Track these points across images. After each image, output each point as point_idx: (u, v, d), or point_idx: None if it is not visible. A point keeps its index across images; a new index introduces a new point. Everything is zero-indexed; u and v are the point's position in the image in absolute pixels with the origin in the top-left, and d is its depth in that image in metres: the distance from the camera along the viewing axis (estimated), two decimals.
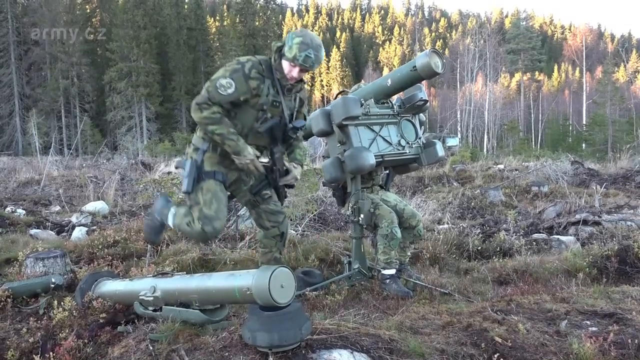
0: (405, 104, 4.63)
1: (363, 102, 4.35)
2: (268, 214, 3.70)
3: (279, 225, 3.74)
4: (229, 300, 3.01)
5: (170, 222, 3.58)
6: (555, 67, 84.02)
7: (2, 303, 3.75)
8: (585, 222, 6.86)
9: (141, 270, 4.39)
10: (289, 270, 2.68)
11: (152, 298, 3.17)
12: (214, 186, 3.39)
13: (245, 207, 4.23)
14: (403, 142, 4.59)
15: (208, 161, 3.43)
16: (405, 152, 4.60)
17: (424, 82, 4.66)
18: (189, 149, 3.53)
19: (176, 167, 3.56)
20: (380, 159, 4.41)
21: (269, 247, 3.80)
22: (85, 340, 3.13)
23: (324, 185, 6.16)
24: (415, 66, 4.11)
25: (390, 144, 4.51)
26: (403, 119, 4.65)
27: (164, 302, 3.19)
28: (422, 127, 4.89)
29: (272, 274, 2.61)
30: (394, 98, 4.74)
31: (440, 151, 4.73)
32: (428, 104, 4.88)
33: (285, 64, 3.38)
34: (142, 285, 3.31)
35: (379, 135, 4.45)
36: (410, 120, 4.71)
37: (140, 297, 3.22)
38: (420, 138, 4.74)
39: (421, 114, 4.85)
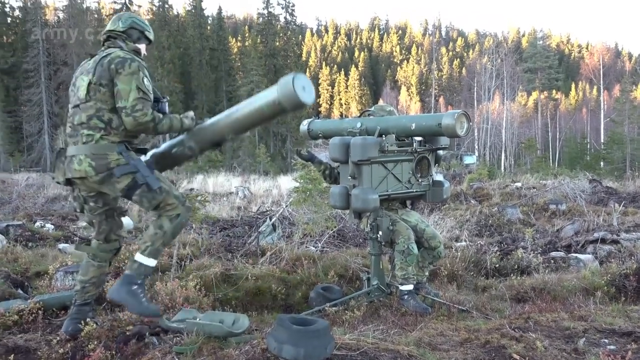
0: (426, 144, 4.62)
1: (384, 138, 4.32)
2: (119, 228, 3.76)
3: (120, 240, 3.78)
4: (261, 120, 3.38)
5: (149, 260, 3.33)
6: (573, 85, 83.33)
7: (33, 315, 3.82)
8: (603, 241, 6.79)
9: (165, 285, 4.45)
10: (304, 74, 3.05)
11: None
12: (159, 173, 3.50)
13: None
14: (413, 180, 4.60)
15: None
16: (412, 191, 4.62)
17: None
18: (115, 155, 3.23)
19: (119, 175, 3.20)
20: (386, 197, 4.47)
21: (104, 261, 3.66)
22: (113, 352, 3.18)
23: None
24: (440, 123, 4.06)
25: (400, 181, 4.53)
26: (420, 155, 4.62)
27: (200, 149, 3.52)
28: (438, 164, 4.90)
29: (293, 78, 2.93)
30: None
31: (447, 193, 4.77)
32: (448, 149, 4.92)
33: (143, 47, 3.65)
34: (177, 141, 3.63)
35: (391, 172, 4.47)
36: (426, 157, 4.68)
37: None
38: (431, 176, 4.75)
39: (439, 151, 4.84)
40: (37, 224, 9.03)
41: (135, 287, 3.28)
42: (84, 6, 51.61)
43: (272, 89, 3.24)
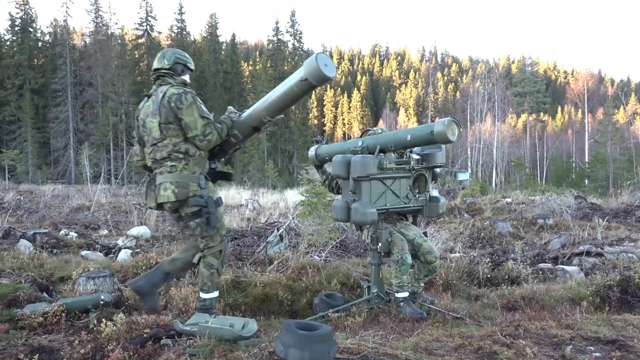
0: (424, 161, 4.63)
1: (383, 157, 4.38)
2: None
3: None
4: (293, 99, 3.55)
5: (213, 294, 3.65)
6: (559, 108, 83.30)
7: (57, 317, 3.82)
8: (588, 254, 6.75)
9: (180, 290, 4.44)
10: (324, 54, 3.36)
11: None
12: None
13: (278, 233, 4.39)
14: (410, 196, 4.60)
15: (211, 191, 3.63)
16: (410, 205, 4.62)
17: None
18: (195, 186, 3.51)
19: (191, 205, 3.49)
20: (385, 211, 4.49)
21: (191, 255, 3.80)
22: (130, 353, 3.17)
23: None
24: (432, 131, 4.07)
25: (398, 197, 4.53)
26: (417, 172, 4.63)
27: (243, 136, 3.73)
28: (435, 180, 4.90)
29: (316, 57, 3.23)
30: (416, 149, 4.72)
31: (442, 209, 4.76)
32: (443, 167, 4.93)
33: (188, 77, 3.85)
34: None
35: (390, 188, 4.47)
36: (424, 174, 4.69)
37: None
38: (428, 192, 4.75)
39: (436, 169, 4.83)
40: (62, 232, 9.04)
41: (214, 316, 3.57)
42: (109, 32, 52.08)
43: (298, 70, 3.42)
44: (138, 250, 7.46)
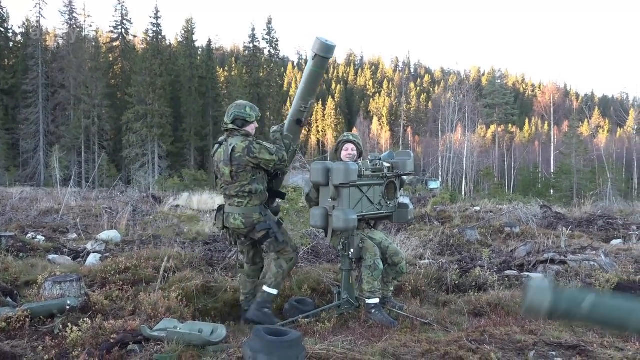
0: (394, 169, 4.74)
1: (360, 164, 4.49)
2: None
3: (262, 262, 4.79)
4: (314, 78, 4.39)
5: (273, 290, 4.44)
6: (527, 120, 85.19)
7: (21, 322, 3.70)
8: (552, 261, 6.87)
9: (149, 295, 4.36)
10: (321, 36, 4.17)
11: None
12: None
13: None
14: (382, 202, 4.71)
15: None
16: (382, 212, 4.73)
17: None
18: (257, 215, 4.36)
19: (259, 230, 4.38)
20: (361, 217, 4.55)
21: (255, 277, 4.72)
22: (97, 359, 3.09)
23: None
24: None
25: (372, 203, 4.62)
26: (388, 179, 4.73)
27: (293, 134, 4.56)
28: (402, 187, 5.01)
29: (317, 37, 4.15)
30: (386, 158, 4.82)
31: (411, 215, 4.93)
32: (413, 174, 5.17)
33: (251, 127, 4.44)
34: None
35: (365, 195, 4.55)
36: (393, 182, 4.80)
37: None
38: (397, 199, 4.84)
39: (404, 177, 4.94)
40: (29, 235, 8.78)
41: (267, 309, 4.37)
42: (83, 34, 51.18)
43: (310, 56, 4.29)
44: (107, 254, 7.29)
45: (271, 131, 4.55)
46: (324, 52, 4.20)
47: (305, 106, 4.43)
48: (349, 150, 4.85)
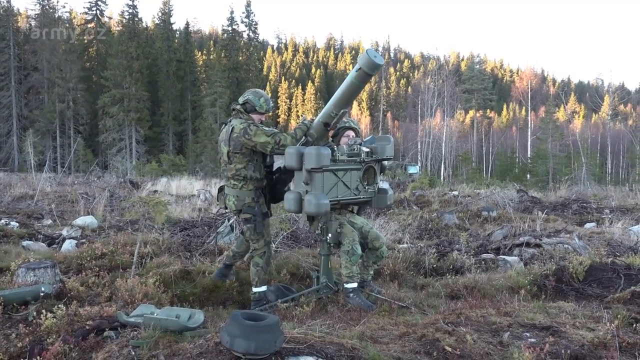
0: (373, 155, 4.69)
1: (336, 149, 4.44)
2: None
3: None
4: (353, 90, 4.36)
5: (262, 287, 4.64)
6: (504, 106, 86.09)
7: None
8: (528, 244, 6.99)
9: (126, 281, 4.31)
10: (371, 49, 4.11)
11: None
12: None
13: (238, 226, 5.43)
14: (360, 187, 4.67)
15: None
16: (360, 197, 4.69)
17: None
18: (249, 200, 4.56)
19: (245, 211, 4.60)
20: (337, 202, 4.53)
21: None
22: (71, 346, 3.05)
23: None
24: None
25: (349, 188, 4.59)
26: (367, 164, 4.68)
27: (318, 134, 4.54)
28: (382, 173, 4.97)
29: (367, 51, 4.07)
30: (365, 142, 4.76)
31: (390, 200, 4.91)
32: (392, 159, 5.10)
33: (256, 117, 4.58)
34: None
35: (341, 180, 4.51)
36: (373, 167, 4.74)
37: None
38: (376, 184, 4.81)
39: (384, 162, 4.90)
40: (2, 221, 8.60)
41: (265, 305, 4.49)
42: (56, 15, 49.82)
43: (355, 68, 4.19)
44: (84, 240, 7.20)
45: (300, 119, 4.65)
46: (369, 69, 4.14)
47: (337, 113, 4.42)
48: (350, 137, 4.82)
